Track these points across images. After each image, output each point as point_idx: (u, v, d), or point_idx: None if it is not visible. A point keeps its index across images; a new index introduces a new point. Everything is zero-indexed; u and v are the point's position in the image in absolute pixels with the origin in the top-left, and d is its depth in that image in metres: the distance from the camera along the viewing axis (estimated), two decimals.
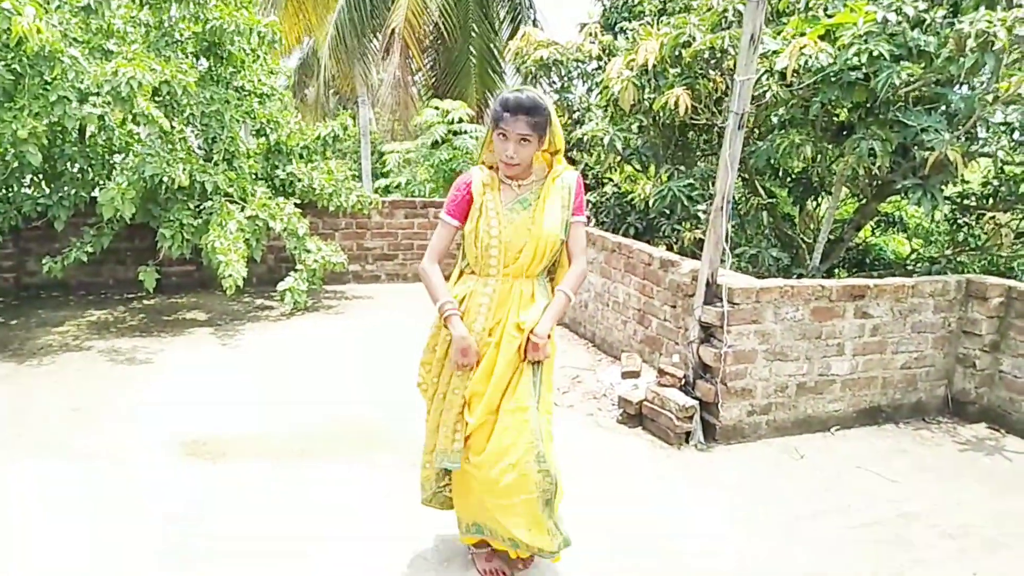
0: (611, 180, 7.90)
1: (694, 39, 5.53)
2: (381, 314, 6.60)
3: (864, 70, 4.69)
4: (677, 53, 5.69)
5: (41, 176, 6.33)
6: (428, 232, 8.24)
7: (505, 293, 2.59)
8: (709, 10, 5.83)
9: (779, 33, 5.36)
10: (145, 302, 6.72)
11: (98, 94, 5.36)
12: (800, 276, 5.79)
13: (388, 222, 8.04)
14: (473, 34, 12.34)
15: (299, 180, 6.71)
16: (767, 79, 5.16)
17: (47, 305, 6.50)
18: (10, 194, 6.27)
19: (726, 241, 4.02)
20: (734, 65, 5.50)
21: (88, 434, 3.98)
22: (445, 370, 2.65)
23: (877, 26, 4.60)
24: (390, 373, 4.92)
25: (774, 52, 5.08)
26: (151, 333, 5.84)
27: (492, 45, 12.65)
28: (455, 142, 9.04)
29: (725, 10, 5.54)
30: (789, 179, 7.20)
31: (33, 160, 5.13)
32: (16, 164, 6.00)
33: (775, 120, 5.80)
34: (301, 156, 6.93)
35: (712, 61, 5.53)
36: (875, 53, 4.54)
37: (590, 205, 7.28)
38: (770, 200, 6.68)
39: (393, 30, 11.43)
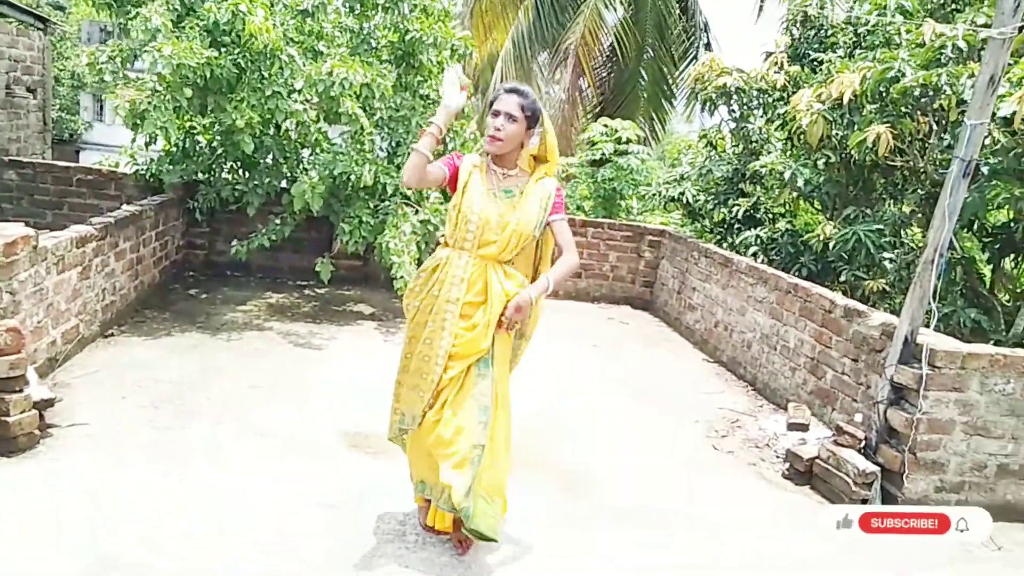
0: (783, 216, 7.52)
1: (903, 75, 5.14)
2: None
3: None
4: (881, 89, 5.32)
5: (239, 164, 6.81)
6: (586, 251, 8.19)
7: (479, 271, 2.78)
8: (921, 45, 5.41)
9: (1005, 74, 4.88)
10: (317, 291, 7.09)
11: (300, 91, 5.72)
12: (998, 343, 5.23)
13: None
14: (647, 56, 12.22)
15: None
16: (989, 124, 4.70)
17: (230, 284, 7.00)
18: (211, 178, 6.82)
19: (933, 298, 3.67)
20: (947, 105, 5.10)
21: (263, 411, 4.21)
22: (430, 321, 2.80)
23: None
24: (544, 384, 4.89)
25: (999, 96, 4.62)
26: (322, 321, 6.14)
27: (665, 68, 12.46)
28: (620, 161, 8.93)
29: (943, 46, 5.11)
30: (985, 233, 6.54)
31: (246, 148, 5.56)
32: (221, 151, 6.55)
33: (984, 170, 5.30)
34: None
35: (923, 100, 5.11)
36: None
37: (760, 240, 6.95)
38: (963, 256, 6.10)
39: (568, 47, 11.53)
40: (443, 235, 2.93)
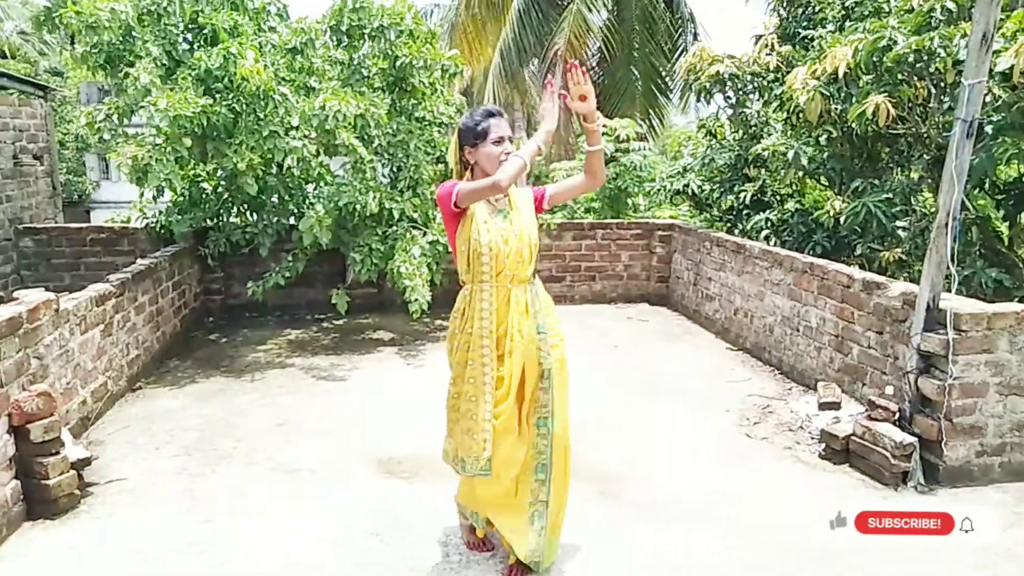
0: (791, 197, 7.47)
1: (895, 42, 5.12)
2: None
3: None
4: (875, 59, 5.29)
5: (246, 206, 6.88)
6: (596, 254, 8.18)
7: (503, 301, 2.77)
8: (910, 11, 5.38)
9: (997, 30, 4.84)
10: (335, 322, 7.14)
11: (297, 128, 5.78)
12: (1021, 300, 5.16)
13: (556, 244, 8.06)
14: (636, 54, 12.22)
15: None
16: (987, 81, 4.65)
17: (249, 325, 7.06)
18: (220, 223, 6.89)
19: (952, 262, 3.63)
20: (943, 68, 5.06)
21: (292, 447, 4.24)
22: (469, 361, 2.78)
23: None
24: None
25: (995, 52, 4.58)
26: (343, 352, 6.18)
27: (656, 63, 12.46)
28: (623, 160, 8.92)
29: (932, 9, 5.08)
30: (997, 191, 6.46)
31: (250, 190, 5.62)
32: (226, 195, 6.63)
33: (989, 129, 5.24)
34: None
35: (918, 65, 5.08)
36: None
37: (770, 223, 6.91)
38: (978, 216, 6.03)
39: (556, 53, 11.57)
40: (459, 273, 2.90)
